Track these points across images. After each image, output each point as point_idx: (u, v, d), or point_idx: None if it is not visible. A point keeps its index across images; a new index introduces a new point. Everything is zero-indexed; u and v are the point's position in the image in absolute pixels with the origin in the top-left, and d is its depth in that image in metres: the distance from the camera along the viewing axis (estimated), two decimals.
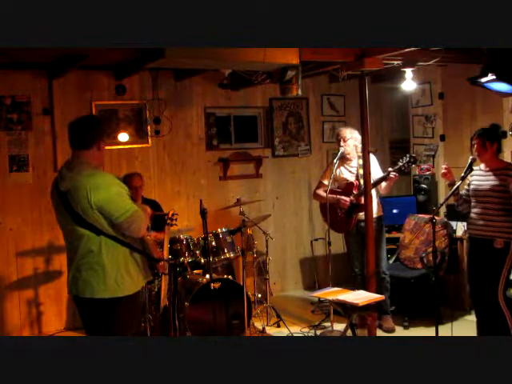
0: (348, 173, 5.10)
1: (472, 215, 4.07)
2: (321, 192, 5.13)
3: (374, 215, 4.80)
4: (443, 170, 4.21)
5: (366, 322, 4.57)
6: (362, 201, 4.78)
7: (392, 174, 4.79)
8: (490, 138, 3.93)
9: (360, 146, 4.83)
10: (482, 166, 4.05)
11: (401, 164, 4.83)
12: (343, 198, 4.98)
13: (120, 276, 3.00)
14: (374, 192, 4.90)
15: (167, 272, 4.12)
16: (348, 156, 5.07)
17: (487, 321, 4.08)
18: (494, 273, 3.91)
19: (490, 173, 3.97)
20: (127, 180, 5.20)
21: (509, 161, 4.80)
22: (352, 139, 4.99)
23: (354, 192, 4.96)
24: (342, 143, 5.02)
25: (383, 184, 4.93)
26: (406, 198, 6.15)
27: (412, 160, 4.80)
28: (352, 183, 5.02)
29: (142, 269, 3.15)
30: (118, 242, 3.00)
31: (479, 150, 3.96)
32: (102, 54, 4.35)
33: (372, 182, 4.69)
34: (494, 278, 3.90)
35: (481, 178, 4.03)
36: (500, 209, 3.89)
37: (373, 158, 4.99)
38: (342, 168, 5.13)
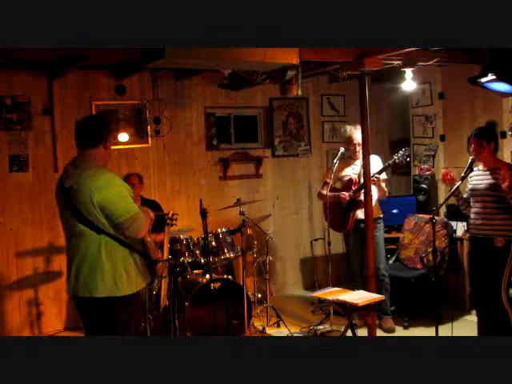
0: (351, 170, 5.09)
1: (471, 215, 4.08)
2: (323, 191, 5.12)
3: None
4: (448, 176, 4.09)
5: (366, 322, 4.57)
6: (361, 197, 4.78)
7: (375, 177, 4.74)
8: (486, 138, 3.94)
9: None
10: (481, 165, 4.06)
11: (395, 157, 4.85)
12: (343, 192, 4.99)
13: (118, 276, 2.99)
14: (374, 192, 4.89)
15: (165, 275, 4.12)
16: (353, 156, 5.07)
17: (489, 321, 4.08)
18: (496, 272, 3.91)
19: (487, 172, 3.98)
20: (124, 179, 5.20)
21: (509, 161, 4.81)
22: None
23: (353, 188, 4.96)
24: (357, 147, 4.97)
25: (374, 188, 4.84)
26: (406, 198, 6.15)
27: (407, 153, 4.84)
28: (351, 179, 5.02)
29: (142, 270, 3.14)
30: (118, 241, 3.01)
31: (476, 150, 3.96)
32: (102, 54, 4.35)
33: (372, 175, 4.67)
34: (497, 277, 3.90)
35: (479, 177, 4.03)
36: (498, 207, 3.89)
37: (377, 159, 5.00)
38: (346, 168, 5.12)
